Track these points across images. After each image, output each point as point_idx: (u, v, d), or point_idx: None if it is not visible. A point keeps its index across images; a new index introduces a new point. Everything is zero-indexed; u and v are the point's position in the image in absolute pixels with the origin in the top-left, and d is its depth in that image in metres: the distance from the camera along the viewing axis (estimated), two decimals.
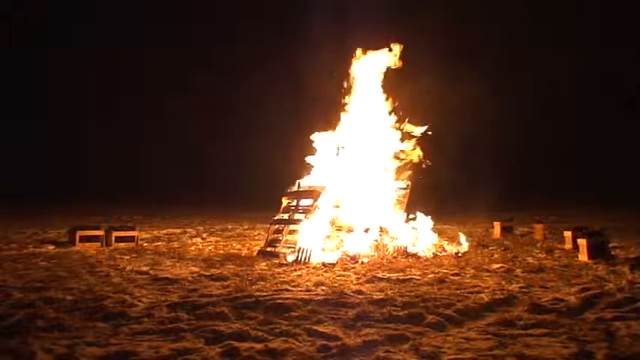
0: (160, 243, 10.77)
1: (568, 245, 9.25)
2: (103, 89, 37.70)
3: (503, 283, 6.25)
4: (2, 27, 31.74)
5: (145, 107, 36.55)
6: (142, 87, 36.26)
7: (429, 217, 10.07)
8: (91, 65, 37.00)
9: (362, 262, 7.90)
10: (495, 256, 8.67)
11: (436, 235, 9.96)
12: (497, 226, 12.24)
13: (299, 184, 9.93)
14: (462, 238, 10.17)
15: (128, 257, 8.54)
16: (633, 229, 12.21)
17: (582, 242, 8.18)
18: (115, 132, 36.88)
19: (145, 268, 7.33)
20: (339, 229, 9.28)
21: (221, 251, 9.48)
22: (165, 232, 13.15)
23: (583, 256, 8.05)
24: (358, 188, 9.62)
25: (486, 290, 5.76)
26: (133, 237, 10.36)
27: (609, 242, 8.49)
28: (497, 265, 7.54)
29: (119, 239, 10.15)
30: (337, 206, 9.44)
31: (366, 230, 9.01)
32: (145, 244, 10.39)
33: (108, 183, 32.03)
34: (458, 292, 5.69)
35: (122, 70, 37.10)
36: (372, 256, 8.43)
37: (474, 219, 16.25)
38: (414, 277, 6.66)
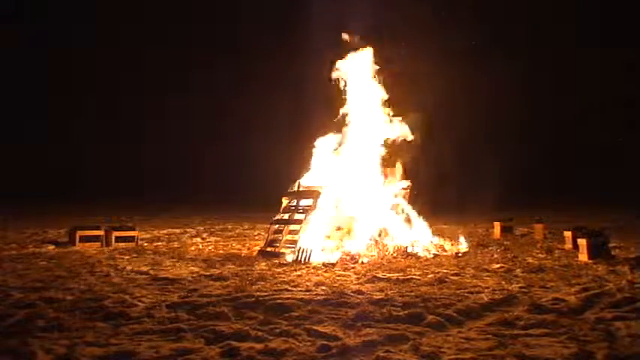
0: (159, 243, 10.76)
1: (568, 245, 9.25)
2: (103, 89, 37.74)
3: (504, 283, 6.26)
4: (3, 27, 31.76)
5: (144, 107, 36.55)
6: (142, 87, 36.28)
7: (430, 217, 10.08)
8: (91, 65, 37.00)
9: (362, 262, 7.90)
10: (495, 256, 8.67)
11: (436, 235, 9.96)
12: (497, 226, 12.23)
13: (299, 184, 9.93)
14: (463, 238, 10.17)
15: (128, 257, 8.54)
16: (633, 229, 12.21)
17: (582, 242, 8.17)
18: (115, 132, 36.90)
19: (145, 268, 7.34)
20: (339, 229, 9.28)
21: (221, 251, 9.48)
22: (165, 232, 13.14)
23: (583, 256, 8.05)
24: (358, 188, 9.62)
25: (486, 290, 5.76)
26: (133, 237, 10.36)
27: (609, 242, 8.50)
28: (498, 265, 7.55)
29: (119, 239, 10.14)
30: (337, 206, 9.43)
31: (375, 241, 8.99)
32: (145, 244, 10.39)
33: (108, 183, 32.01)
34: (458, 292, 5.70)
35: (122, 70, 37.11)
36: (372, 256, 8.43)
37: (474, 219, 16.24)
38: (414, 277, 6.67)
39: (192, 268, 7.43)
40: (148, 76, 36.29)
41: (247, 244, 10.50)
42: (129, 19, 37.19)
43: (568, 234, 9.35)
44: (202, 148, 36.46)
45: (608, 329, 4.20)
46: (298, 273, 7.02)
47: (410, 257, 8.47)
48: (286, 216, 9.58)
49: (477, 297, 5.41)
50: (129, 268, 7.39)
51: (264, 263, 7.92)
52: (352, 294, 5.54)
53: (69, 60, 36.33)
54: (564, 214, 17.63)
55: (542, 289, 5.90)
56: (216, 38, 37.29)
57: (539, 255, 8.70)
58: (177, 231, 13.37)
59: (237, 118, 36.61)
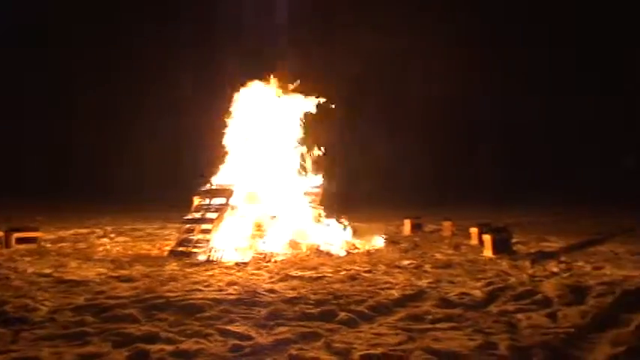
0: (65, 244, 10.31)
1: (474, 241, 9.57)
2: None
3: (413, 279, 6.41)
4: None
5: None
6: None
7: (342, 214, 10.19)
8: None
9: (275, 261, 7.89)
10: (406, 252, 8.87)
11: (349, 232, 10.08)
12: (407, 223, 12.51)
13: (211, 182, 9.79)
14: (374, 235, 10.33)
15: (29, 259, 8.13)
16: (533, 225, 12.81)
17: (487, 238, 8.48)
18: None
19: (48, 270, 7.00)
20: (253, 227, 9.22)
21: (130, 251, 9.20)
22: (71, 232, 12.60)
23: (488, 252, 8.34)
24: (271, 185, 9.61)
25: (397, 286, 5.89)
26: (35, 238, 9.85)
27: (512, 238, 8.87)
28: (408, 262, 7.72)
29: (20, 241, 9.61)
30: (250, 205, 9.37)
31: (272, 217, 9.02)
32: (49, 245, 9.93)
33: (9, 181, 30.38)
34: (369, 288, 5.79)
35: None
36: (285, 254, 8.43)
37: (386, 217, 16.55)
38: (326, 274, 6.72)
39: (100, 269, 7.17)
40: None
41: (157, 244, 10.23)
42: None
43: (474, 230, 9.69)
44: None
45: (510, 321, 4.40)
46: (210, 273, 6.92)
47: (323, 255, 8.53)
48: (198, 215, 9.42)
49: (387, 293, 5.52)
50: (30, 270, 7.04)
51: (175, 263, 7.74)
52: (265, 293, 5.51)
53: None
54: (473, 211, 18.25)
55: (450, 284, 6.09)
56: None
57: (448, 251, 8.98)
58: (84, 231, 12.86)
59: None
